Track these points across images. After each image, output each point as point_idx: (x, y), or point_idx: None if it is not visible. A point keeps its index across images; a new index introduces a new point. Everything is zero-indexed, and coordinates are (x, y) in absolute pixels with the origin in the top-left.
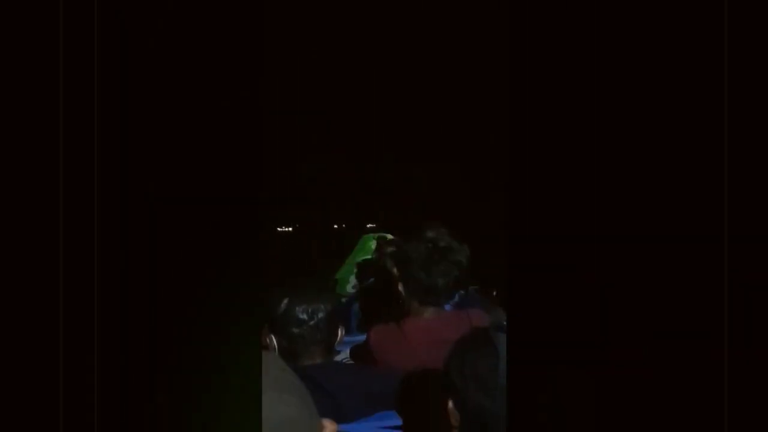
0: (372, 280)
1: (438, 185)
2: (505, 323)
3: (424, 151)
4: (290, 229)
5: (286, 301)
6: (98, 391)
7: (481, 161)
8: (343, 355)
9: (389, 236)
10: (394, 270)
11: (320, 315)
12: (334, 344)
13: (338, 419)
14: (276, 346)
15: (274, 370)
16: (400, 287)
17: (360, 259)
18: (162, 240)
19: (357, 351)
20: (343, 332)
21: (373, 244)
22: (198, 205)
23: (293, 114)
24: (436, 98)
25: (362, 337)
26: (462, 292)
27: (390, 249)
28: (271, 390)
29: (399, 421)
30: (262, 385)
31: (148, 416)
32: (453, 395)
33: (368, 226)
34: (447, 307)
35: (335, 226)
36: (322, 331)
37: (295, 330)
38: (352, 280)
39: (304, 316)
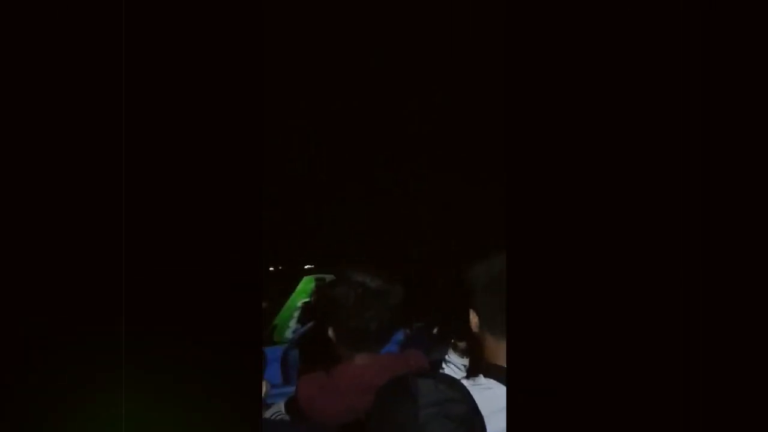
0: (310, 324)
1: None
2: (445, 360)
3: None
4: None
5: None
6: None
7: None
8: (275, 409)
9: (328, 277)
10: (326, 314)
11: None
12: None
13: None
14: None
15: None
16: (330, 332)
17: (300, 302)
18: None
19: (291, 404)
20: (268, 386)
21: (311, 286)
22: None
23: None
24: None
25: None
26: (407, 330)
27: (327, 291)
28: None
29: None
30: None
31: None
32: None
33: (306, 267)
34: (392, 348)
35: (270, 268)
36: None
37: None
38: (293, 324)
39: None
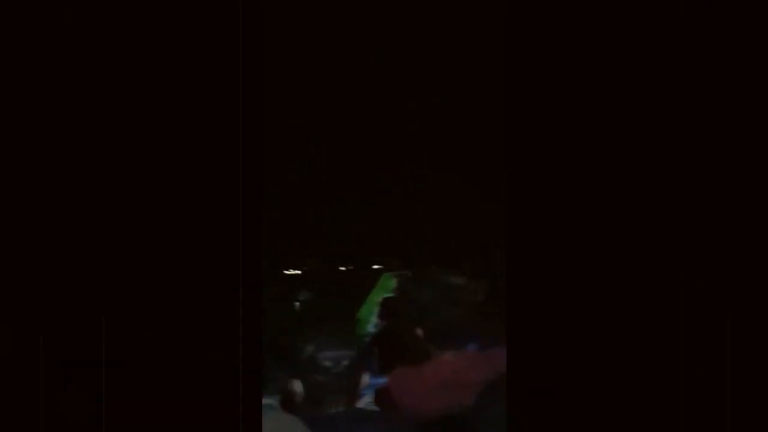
0: (387, 322)
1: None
2: None
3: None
4: (299, 272)
5: (311, 347)
6: None
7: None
8: (368, 399)
9: (409, 274)
10: (413, 312)
11: (344, 363)
12: (357, 392)
13: None
14: (302, 393)
15: None
16: (419, 331)
17: (380, 298)
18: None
19: (380, 395)
20: (368, 378)
21: (392, 283)
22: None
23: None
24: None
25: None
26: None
27: (411, 289)
28: None
29: None
30: None
31: None
32: None
33: (374, 267)
34: (471, 347)
35: (342, 268)
36: (346, 378)
37: (320, 377)
38: (373, 319)
39: (329, 364)
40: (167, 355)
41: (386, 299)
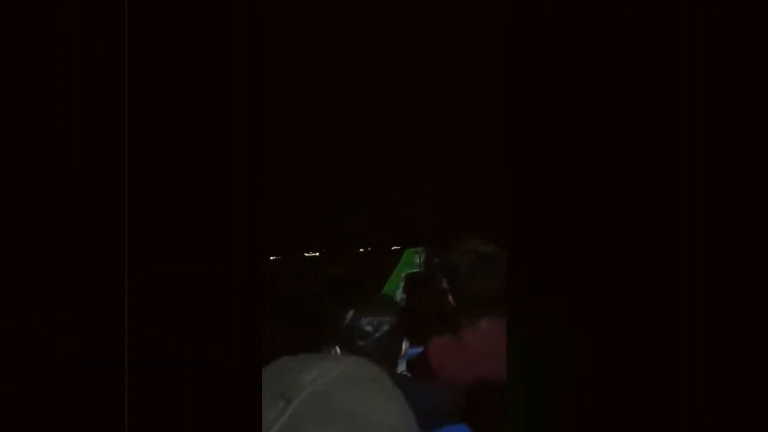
0: (412, 295)
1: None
2: None
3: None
4: (317, 254)
5: (351, 313)
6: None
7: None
8: (400, 368)
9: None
10: (444, 282)
11: (385, 328)
12: (397, 357)
13: None
14: None
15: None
16: (450, 298)
17: (404, 273)
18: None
19: (413, 363)
20: (407, 345)
21: (416, 258)
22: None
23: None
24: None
25: (417, 350)
26: None
27: (437, 261)
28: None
29: None
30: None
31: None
32: None
33: (393, 248)
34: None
35: (361, 249)
36: (386, 344)
37: (360, 342)
38: (399, 294)
39: (369, 329)
40: (167, 354)
41: (410, 274)
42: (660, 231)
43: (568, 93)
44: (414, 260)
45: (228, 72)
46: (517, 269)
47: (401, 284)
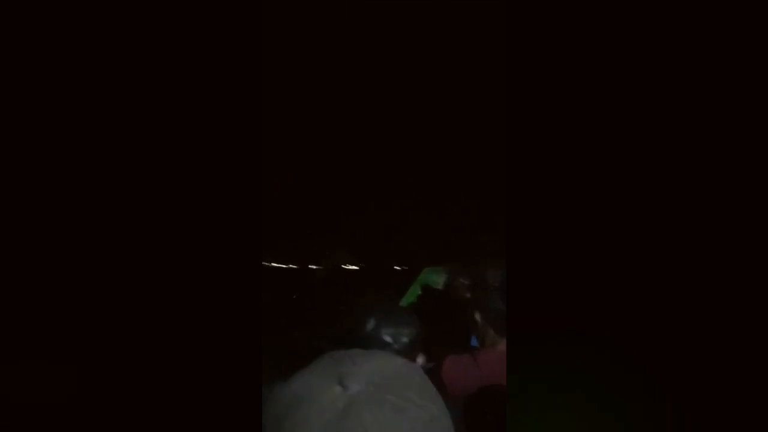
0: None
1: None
2: None
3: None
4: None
5: (372, 321)
6: None
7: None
8: None
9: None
10: (469, 297)
11: (404, 340)
12: None
13: None
14: None
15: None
16: (477, 316)
17: (421, 288)
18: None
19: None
20: (424, 360)
21: (435, 276)
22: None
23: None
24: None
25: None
26: None
27: (462, 278)
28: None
29: None
30: None
31: None
32: None
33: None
34: None
35: (396, 267)
36: (404, 356)
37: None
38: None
39: (389, 339)
40: (166, 352)
41: (428, 289)
42: (661, 232)
43: (570, 94)
44: (432, 277)
45: (228, 72)
46: (517, 269)
47: (417, 299)
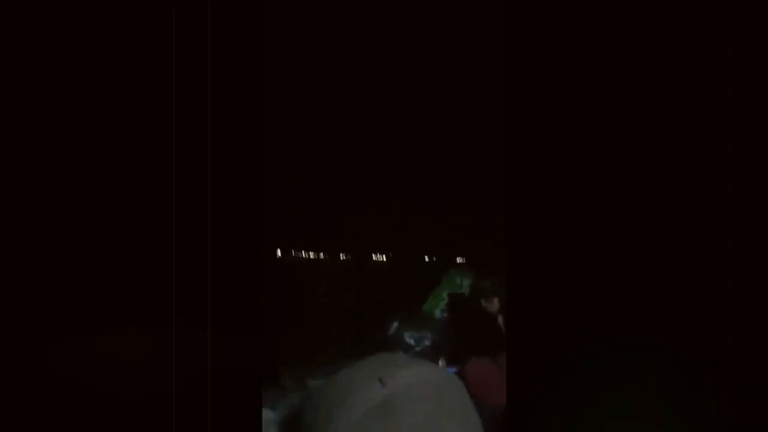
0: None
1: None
2: None
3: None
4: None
5: (396, 324)
6: None
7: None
8: None
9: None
10: (495, 303)
11: (426, 342)
12: None
13: None
14: None
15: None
16: (501, 321)
17: (448, 292)
18: None
19: None
20: (444, 363)
21: (461, 279)
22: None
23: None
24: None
25: (451, 370)
26: None
27: (487, 283)
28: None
29: None
30: None
31: None
32: None
33: (458, 260)
34: None
35: (426, 258)
36: (427, 358)
37: (401, 354)
38: (438, 313)
39: (411, 342)
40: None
41: (454, 295)
42: (661, 232)
43: (570, 95)
44: (458, 281)
45: (228, 72)
46: (517, 269)
47: (441, 303)
